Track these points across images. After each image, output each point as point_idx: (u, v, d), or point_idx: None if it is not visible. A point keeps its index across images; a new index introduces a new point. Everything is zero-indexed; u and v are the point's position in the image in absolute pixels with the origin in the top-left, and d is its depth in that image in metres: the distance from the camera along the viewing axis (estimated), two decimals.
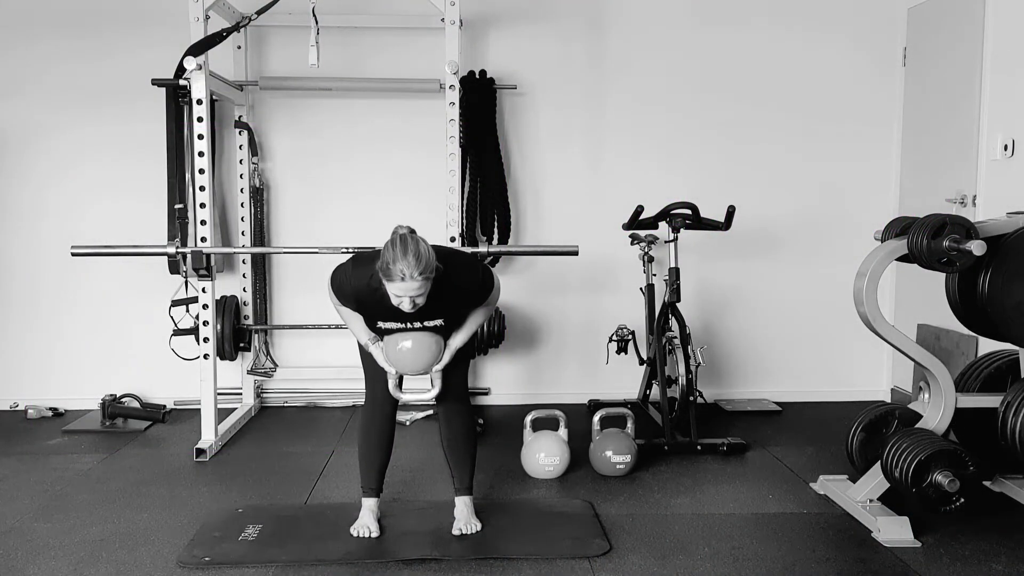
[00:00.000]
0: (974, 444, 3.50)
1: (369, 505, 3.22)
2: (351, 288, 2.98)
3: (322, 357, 5.04)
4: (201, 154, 4.06)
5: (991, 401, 3.36)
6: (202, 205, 4.09)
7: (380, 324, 3.03)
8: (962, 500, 3.09)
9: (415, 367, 3.03)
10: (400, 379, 3.13)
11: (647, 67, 5.00)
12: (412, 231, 2.86)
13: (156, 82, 4.24)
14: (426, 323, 3.00)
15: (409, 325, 3.00)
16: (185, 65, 3.99)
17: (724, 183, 4.96)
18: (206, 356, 4.20)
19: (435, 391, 3.14)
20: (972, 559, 3.00)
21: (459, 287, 2.99)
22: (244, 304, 4.91)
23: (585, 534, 3.20)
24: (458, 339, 3.10)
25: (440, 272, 2.85)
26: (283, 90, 4.87)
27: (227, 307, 4.70)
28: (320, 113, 4.93)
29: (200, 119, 4.03)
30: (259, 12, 4.18)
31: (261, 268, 4.96)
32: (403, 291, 2.78)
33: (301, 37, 4.31)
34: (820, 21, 5.02)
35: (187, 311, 4.46)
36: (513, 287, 5.05)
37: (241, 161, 4.86)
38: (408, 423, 4.61)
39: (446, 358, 3.07)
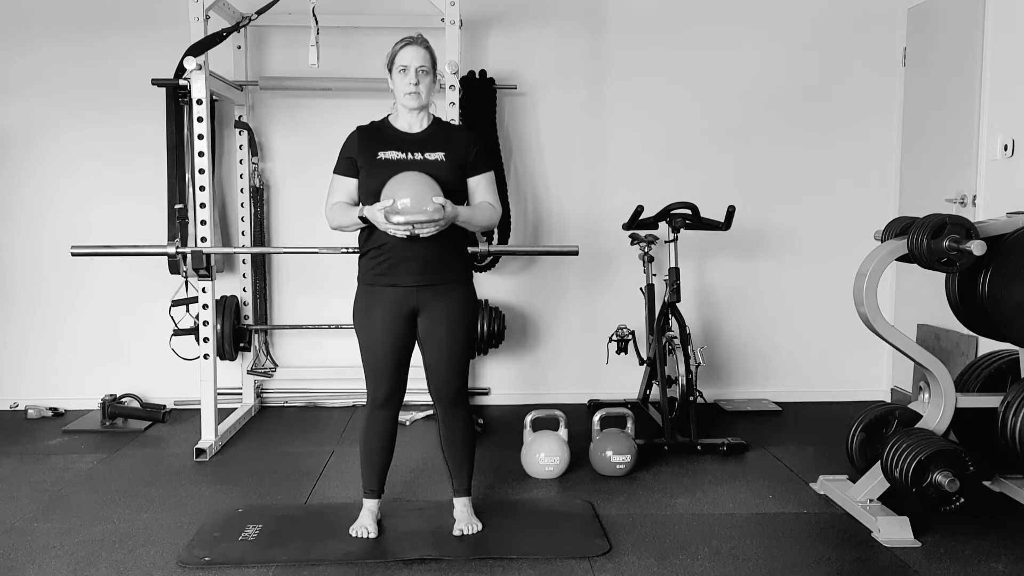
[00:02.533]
0: (974, 444, 3.50)
1: (369, 506, 3.22)
2: (358, 130, 3.09)
3: (322, 357, 5.04)
4: (201, 154, 4.06)
5: (991, 401, 3.36)
6: (202, 205, 4.09)
7: (381, 155, 3.01)
8: (962, 500, 3.09)
9: (414, 198, 2.82)
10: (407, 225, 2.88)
11: (647, 67, 5.00)
12: None
13: (156, 82, 4.24)
14: (427, 155, 3.02)
15: (410, 156, 3.01)
16: (185, 65, 3.99)
17: (724, 183, 4.96)
18: (206, 356, 4.20)
19: (434, 216, 2.84)
20: (972, 559, 3.00)
21: (461, 131, 3.21)
22: (244, 304, 4.91)
23: (585, 534, 3.20)
24: (461, 208, 2.98)
25: (443, 121, 3.16)
26: (283, 90, 4.87)
27: (227, 307, 4.71)
28: (320, 113, 4.93)
29: (200, 119, 4.04)
30: (259, 12, 4.18)
31: (261, 268, 4.96)
32: (408, 58, 2.98)
33: (301, 37, 4.31)
34: (820, 21, 5.02)
35: (187, 311, 4.46)
36: (513, 287, 5.05)
37: (241, 161, 4.86)
38: (408, 423, 4.61)
39: (446, 201, 2.87)
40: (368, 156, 3.03)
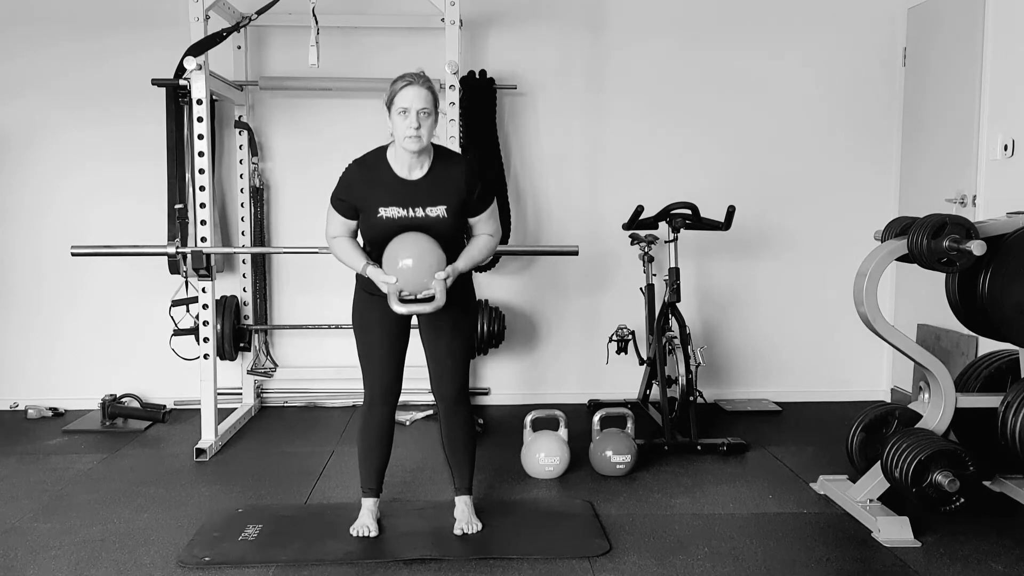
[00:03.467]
0: (974, 444, 3.50)
1: (369, 505, 3.22)
2: (355, 173, 3.00)
3: (322, 357, 5.04)
4: (201, 154, 4.06)
5: (991, 401, 3.36)
6: (202, 205, 4.09)
7: (381, 212, 2.94)
8: (962, 500, 3.09)
9: (417, 269, 2.87)
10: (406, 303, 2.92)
11: (647, 67, 5.00)
12: None
13: (156, 82, 4.24)
14: (428, 211, 2.95)
15: (411, 212, 2.94)
16: (185, 65, 3.99)
17: (724, 183, 4.96)
18: (206, 356, 4.20)
19: (438, 302, 2.88)
20: (972, 559, 3.00)
21: (461, 170, 3.01)
22: (244, 304, 4.91)
23: (585, 534, 3.20)
24: (461, 262, 3.00)
25: (443, 153, 3.01)
26: (283, 90, 4.87)
27: (227, 307, 4.71)
28: (320, 113, 4.93)
29: (200, 119, 4.04)
30: (259, 12, 4.18)
31: (261, 268, 4.96)
32: (409, 100, 2.86)
33: (301, 37, 4.31)
34: (820, 21, 5.02)
35: (187, 311, 4.46)
36: (513, 287, 5.05)
37: (241, 161, 4.86)
38: (408, 423, 4.61)
39: (449, 271, 2.92)
40: (367, 208, 2.97)
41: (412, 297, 2.91)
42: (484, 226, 3.09)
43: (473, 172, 3.04)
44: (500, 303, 4.91)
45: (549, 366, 5.15)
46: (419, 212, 2.95)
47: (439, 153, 3.03)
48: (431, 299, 2.89)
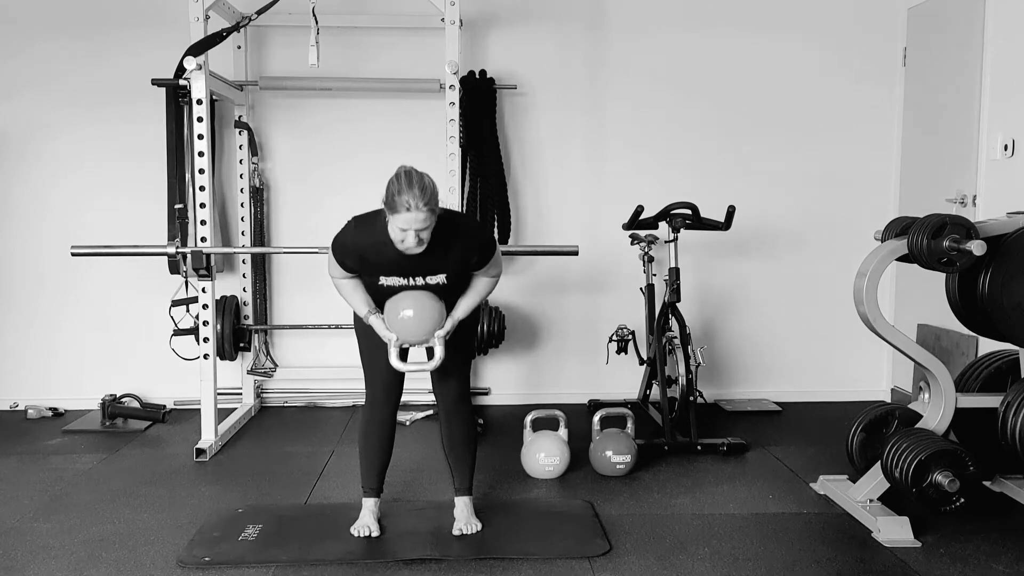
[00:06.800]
0: (974, 444, 3.50)
1: (369, 505, 3.22)
2: (354, 244, 2.96)
3: (322, 357, 5.04)
4: (201, 154, 4.06)
5: (991, 401, 3.36)
6: (202, 205, 4.09)
7: (382, 281, 2.96)
8: (962, 500, 3.09)
9: (417, 331, 2.94)
10: (404, 352, 3.02)
11: (647, 67, 5.00)
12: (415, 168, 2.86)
13: (156, 82, 4.24)
14: (428, 279, 2.96)
15: (411, 281, 2.96)
16: (185, 65, 3.99)
17: (724, 183, 4.96)
18: (206, 356, 4.20)
19: (437, 360, 2.98)
20: (972, 559, 3.00)
21: (461, 239, 2.96)
22: (244, 304, 4.91)
23: (585, 534, 3.20)
24: (460, 310, 3.04)
25: (443, 220, 2.87)
26: (283, 90, 4.87)
27: (227, 307, 4.71)
28: (320, 113, 4.93)
29: (200, 119, 4.04)
30: (259, 12, 4.18)
31: (261, 268, 4.96)
32: (408, 223, 2.76)
33: (301, 37, 4.31)
34: (820, 21, 5.02)
35: (187, 311, 4.46)
36: (513, 287, 5.05)
37: (241, 161, 4.86)
38: (408, 423, 4.61)
39: (448, 325, 2.98)
40: (367, 272, 3.00)
41: (409, 348, 3.03)
42: (485, 273, 3.10)
43: (474, 242, 3.01)
44: (500, 303, 4.91)
45: (549, 366, 5.15)
46: (419, 281, 2.97)
47: (441, 220, 2.88)
48: (431, 355, 3.01)
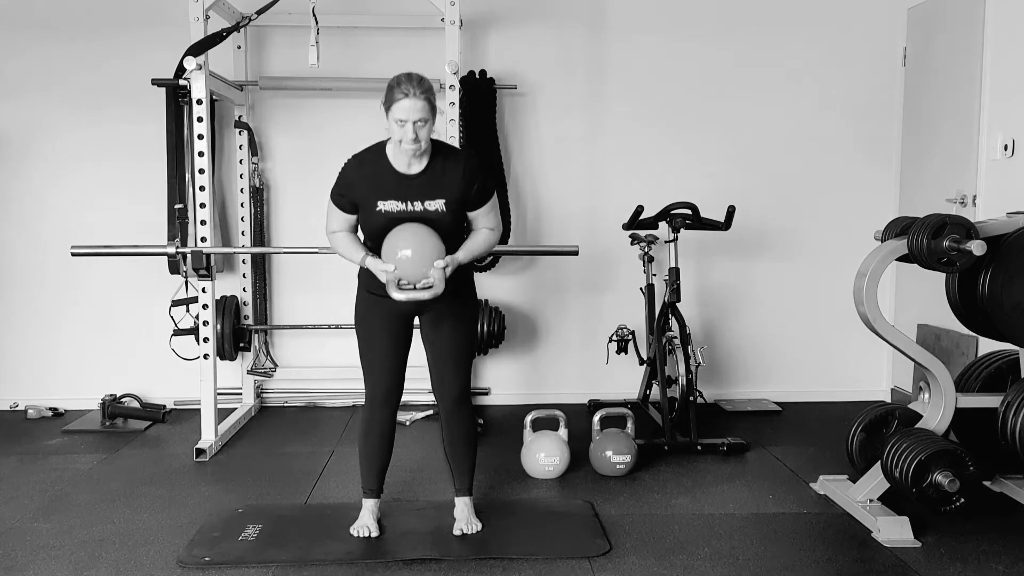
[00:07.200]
0: (974, 444, 3.50)
1: (369, 505, 3.22)
2: (353, 174, 2.99)
3: (322, 357, 5.04)
4: (201, 154, 4.06)
5: (991, 401, 3.36)
6: (202, 205, 4.09)
7: (380, 206, 2.94)
8: (962, 500, 3.09)
9: (416, 260, 2.86)
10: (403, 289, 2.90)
11: (647, 67, 5.00)
12: None
13: (156, 82, 4.24)
14: (427, 205, 2.94)
15: (410, 206, 2.94)
16: (185, 65, 3.99)
17: (724, 183, 4.96)
18: (206, 356, 4.20)
19: (436, 289, 2.86)
20: (972, 559, 3.00)
21: (458, 162, 3.00)
22: (244, 304, 4.91)
23: (585, 534, 3.20)
24: (460, 253, 2.99)
25: (440, 146, 2.99)
26: (283, 90, 4.87)
27: (227, 307, 4.71)
28: (320, 113, 4.93)
29: (200, 119, 4.04)
30: (259, 12, 4.18)
31: (261, 268, 4.96)
32: (407, 112, 2.83)
33: (301, 37, 4.31)
34: (820, 21, 5.02)
35: (187, 311, 4.46)
36: (513, 287, 5.05)
37: (241, 161, 4.86)
38: (408, 423, 4.61)
39: (447, 261, 2.90)
40: (366, 203, 2.97)
41: (411, 286, 2.90)
42: (484, 220, 3.08)
43: (472, 166, 3.03)
44: (500, 303, 4.91)
45: (549, 366, 5.15)
46: (417, 206, 2.95)
47: (438, 148, 3.02)
48: (429, 287, 2.88)
